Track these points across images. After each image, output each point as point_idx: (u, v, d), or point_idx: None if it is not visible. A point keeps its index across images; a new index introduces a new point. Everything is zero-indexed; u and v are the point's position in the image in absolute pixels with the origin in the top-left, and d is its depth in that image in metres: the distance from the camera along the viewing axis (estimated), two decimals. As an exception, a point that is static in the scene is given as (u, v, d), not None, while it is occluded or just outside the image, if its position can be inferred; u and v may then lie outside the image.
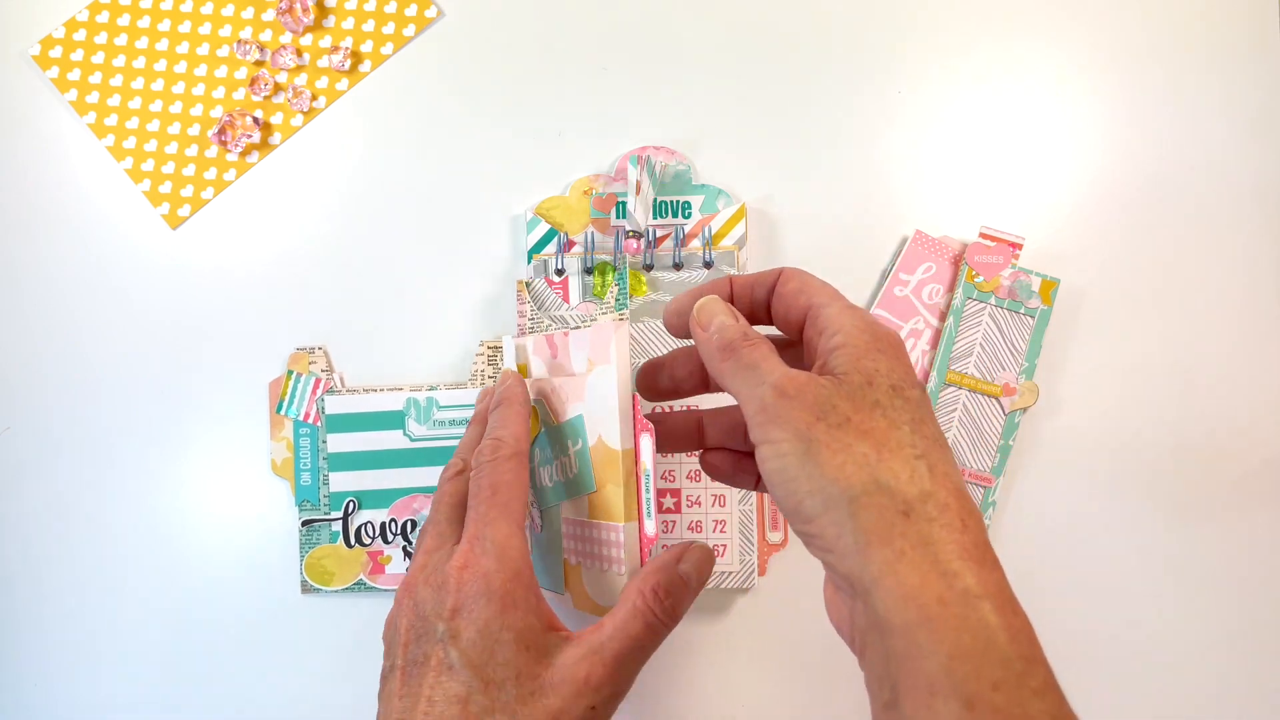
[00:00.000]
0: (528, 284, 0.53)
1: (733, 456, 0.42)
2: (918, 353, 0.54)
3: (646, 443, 0.41)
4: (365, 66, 0.56)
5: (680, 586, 0.39)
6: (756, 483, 0.41)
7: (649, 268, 0.53)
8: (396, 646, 0.38)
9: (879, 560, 0.30)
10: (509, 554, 0.38)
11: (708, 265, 0.53)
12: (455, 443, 0.53)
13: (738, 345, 0.36)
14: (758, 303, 0.39)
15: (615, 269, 0.53)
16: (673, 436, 0.43)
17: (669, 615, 0.39)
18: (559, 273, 0.53)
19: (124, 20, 0.56)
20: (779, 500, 0.34)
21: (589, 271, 0.53)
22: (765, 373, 0.34)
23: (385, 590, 0.53)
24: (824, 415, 0.33)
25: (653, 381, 0.42)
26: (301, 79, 0.56)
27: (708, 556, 0.41)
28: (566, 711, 0.36)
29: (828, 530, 0.32)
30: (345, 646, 0.53)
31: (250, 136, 0.55)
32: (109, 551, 0.54)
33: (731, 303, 0.39)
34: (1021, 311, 0.53)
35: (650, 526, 0.42)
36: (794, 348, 0.39)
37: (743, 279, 0.40)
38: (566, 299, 0.53)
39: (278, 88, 0.56)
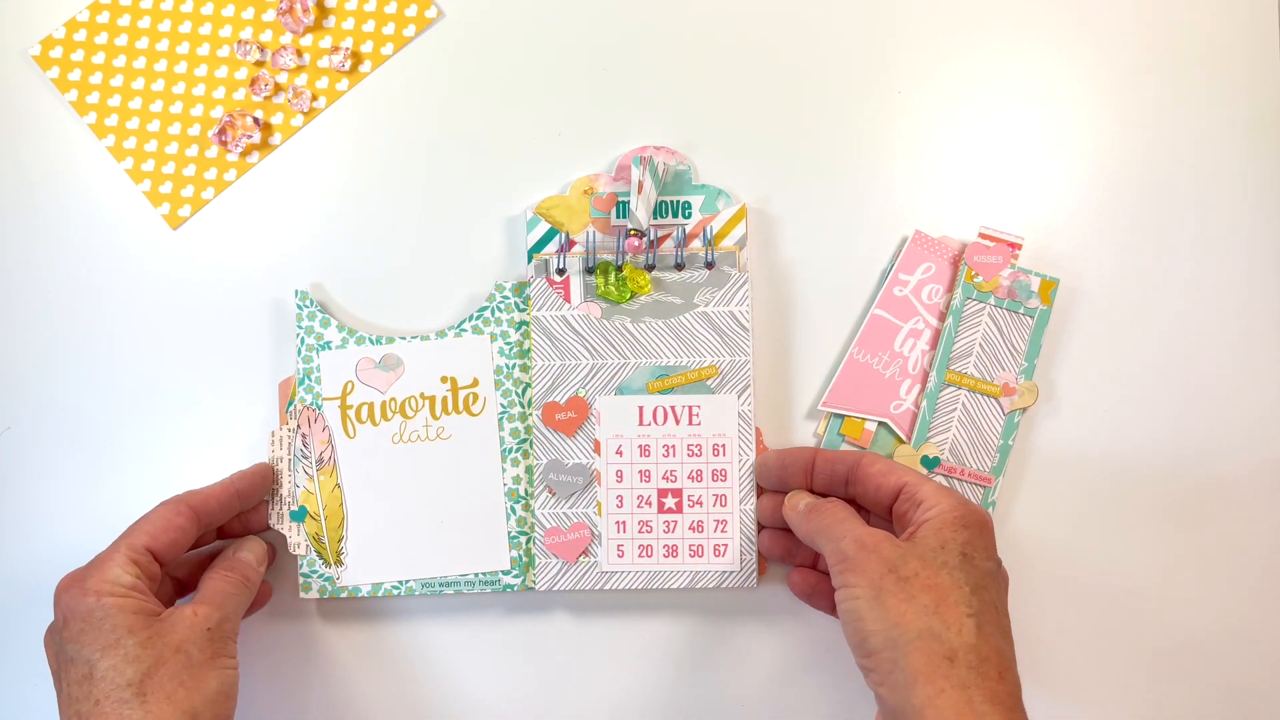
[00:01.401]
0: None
1: (814, 579, 0.50)
2: (917, 352, 0.54)
3: None
4: (365, 67, 0.56)
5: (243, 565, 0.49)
6: (831, 609, 0.47)
7: (650, 268, 0.53)
8: None
9: (922, 695, 0.37)
10: (105, 567, 0.44)
11: (709, 265, 0.53)
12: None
13: (822, 506, 0.46)
14: (836, 478, 0.48)
15: (617, 268, 0.53)
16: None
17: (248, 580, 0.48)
18: (560, 272, 0.53)
19: (124, 20, 0.56)
20: (848, 635, 0.41)
21: (590, 271, 0.53)
22: (848, 528, 0.43)
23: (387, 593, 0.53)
24: (895, 569, 0.40)
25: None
26: (302, 79, 0.56)
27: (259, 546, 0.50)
28: (189, 639, 0.42)
29: (883, 665, 0.39)
30: (345, 647, 0.53)
31: (250, 137, 0.55)
32: (110, 551, 0.54)
33: (812, 472, 0.48)
34: (1021, 311, 0.54)
35: None
36: (872, 518, 0.47)
37: (826, 457, 0.48)
38: (568, 299, 0.53)
39: (278, 88, 0.56)
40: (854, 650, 0.41)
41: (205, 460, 0.54)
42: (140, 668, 0.41)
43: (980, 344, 0.53)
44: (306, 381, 0.53)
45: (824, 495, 0.48)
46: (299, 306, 0.53)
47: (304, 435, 0.53)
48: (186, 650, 0.42)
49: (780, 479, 0.50)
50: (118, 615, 0.42)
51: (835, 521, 0.44)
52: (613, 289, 0.53)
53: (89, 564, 0.45)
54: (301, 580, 0.52)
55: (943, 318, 0.54)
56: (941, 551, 0.40)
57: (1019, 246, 0.54)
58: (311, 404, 0.53)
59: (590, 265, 0.53)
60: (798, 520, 0.47)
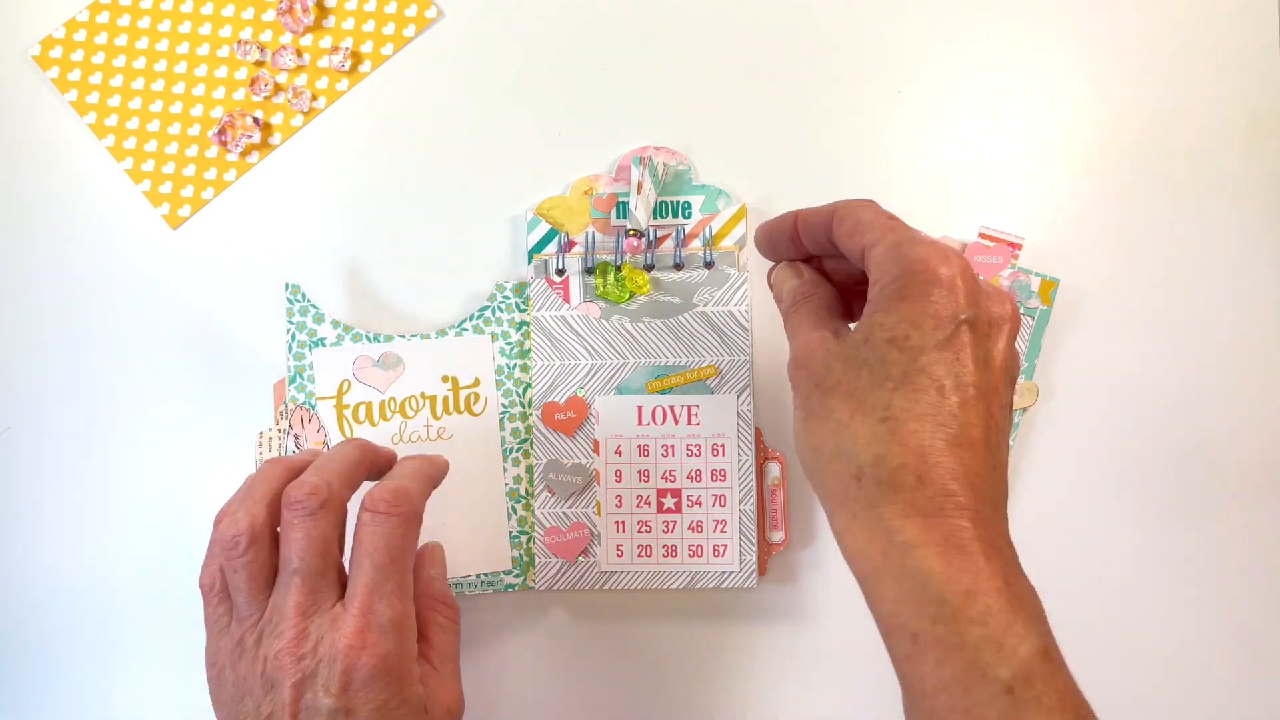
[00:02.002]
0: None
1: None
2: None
3: None
4: (365, 67, 0.56)
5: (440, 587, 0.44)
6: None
7: (649, 268, 0.53)
8: (279, 707, 0.37)
9: (840, 521, 0.34)
10: (405, 633, 0.39)
11: (708, 265, 0.53)
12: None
13: (787, 314, 0.40)
14: (820, 240, 0.39)
15: (615, 268, 0.53)
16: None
17: (455, 611, 0.44)
18: (559, 273, 0.53)
19: (124, 20, 0.56)
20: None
21: (589, 271, 0.53)
22: (791, 339, 0.38)
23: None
24: (821, 382, 0.35)
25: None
26: (302, 79, 0.56)
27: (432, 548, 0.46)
28: None
29: (819, 494, 0.36)
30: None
31: (250, 137, 0.55)
32: (110, 552, 0.54)
33: (798, 238, 0.40)
34: (1021, 312, 0.53)
35: None
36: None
37: (805, 220, 0.40)
38: (567, 299, 0.53)
39: (278, 88, 0.56)
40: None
41: (205, 460, 0.54)
42: None
43: (980, 344, 0.53)
44: (298, 380, 0.53)
45: (819, 256, 0.42)
46: (289, 300, 0.53)
47: (296, 436, 0.52)
48: None
49: (775, 252, 0.42)
50: None
51: (791, 332, 0.38)
52: (612, 289, 0.53)
53: (399, 635, 0.39)
54: None
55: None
56: (864, 347, 0.33)
57: (1019, 246, 0.54)
58: (304, 403, 0.53)
59: (589, 266, 0.53)
60: (779, 306, 0.41)
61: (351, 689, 0.36)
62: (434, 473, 0.44)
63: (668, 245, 0.53)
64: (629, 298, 0.53)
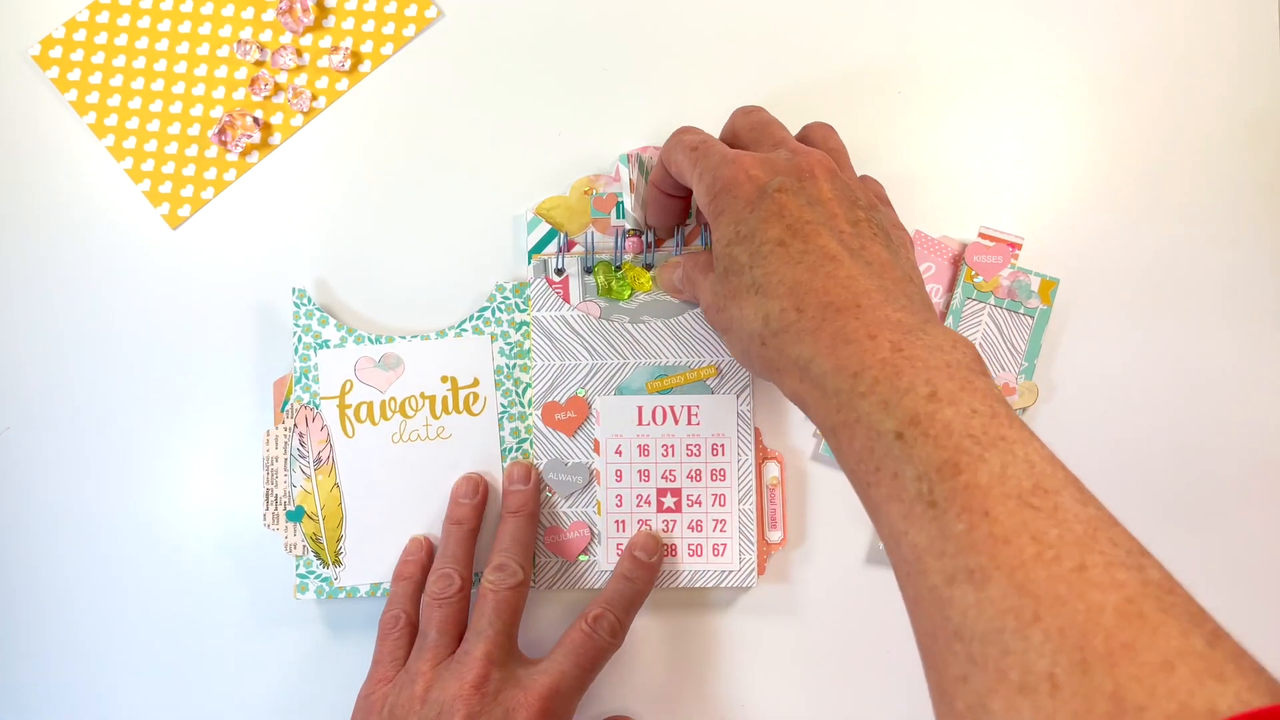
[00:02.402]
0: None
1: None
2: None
3: None
4: (365, 67, 0.56)
5: (620, 601, 0.49)
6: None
7: (649, 267, 0.53)
8: None
9: (775, 384, 0.40)
10: (571, 705, 0.47)
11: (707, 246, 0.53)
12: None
13: (688, 294, 0.50)
14: (671, 182, 0.48)
15: (616, 267, 0.53)
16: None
17: (612, 634, 0.48)
18: (559, 272, 0.53)
19: (124, 20, 0.56)
20: None
21: (589, 271, 0.53)
22: (698, 301, 0.47)
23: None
24: (718, 306, 0.42)
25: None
26: (301, 79, 0.56)
27: (644, 544, 0.51)
28: None
29: (764, 377, 0.41)
30: (343, 648, 0.53)
31: (250, 136, 0.55)
32: (110, 551, 0.54)
33: (670, 193, 0.49)
34: (1021, 311, 0.54)
35: None
36: None
37: (655, 180, 0.49)
38: (567, 299, 0.53)
39: (278, 88, 0.56)
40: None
41: (204, 460, 0.54)
42: None
43: (980, 344, 0.53)
44: (304, 380, 0.53)
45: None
46: (296, 305, 0.53)
47: (301, 434, 0.53)
48: None
49: (667, 215, 0.51)
50: None
51: (692, 294, 0.48)
52: (614, 287, 0.53)
53: (504, 669, 0.47)
54: (298, 581, 0.52)
55: (942, 317, 0.54)
56: (720, 261, 0.41)
57: (1019, 246, 0.54)
58: (309, 403, 0.53)
59: (589, 265, 0.53)
60: (681, 299, 0.52)
61: None
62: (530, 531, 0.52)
63: (668, 245, 0.53)
64: (630, 295, 0.53)
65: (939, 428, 0.32)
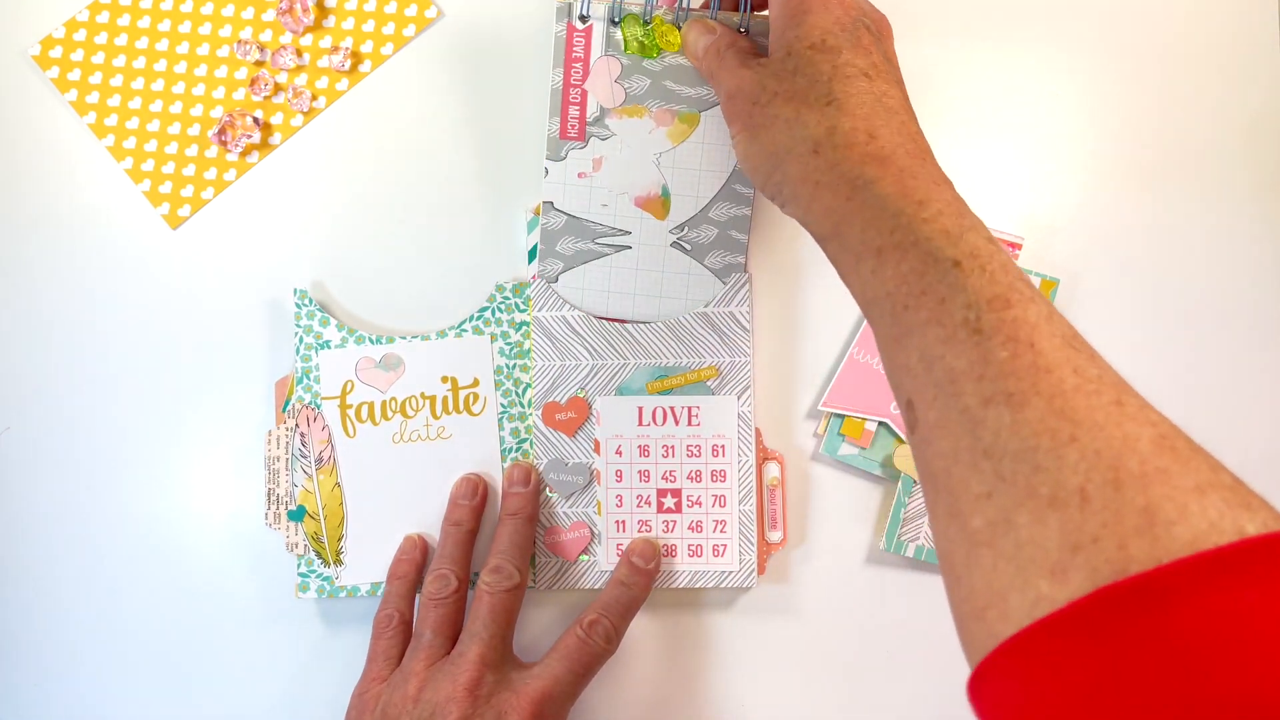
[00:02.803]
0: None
1: None
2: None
3: None
4: (365, 67, 0.56)
5: (617, 607, 0.49)
6: None
7: (679, 26, 0.50)
8: None
9: (804, 196, 0.38)
10: (530, 690, 0.46)
11: (744, 31, 0.48)
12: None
13: (710, 66, 0.45)
14: None
15: (645, 22, 0.49)
16: None
17: (606, 641, 0.48)
18: (583, 19, 0.50)
19: (124, 20, 0.56)
20: (750, 179, 0.42)
21: (615, 23, 0.50)
22: (724, 77, 0.42)
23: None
24: (758, 99, 0.40)
25: None
26: (301, 79, 0.56)
27: (642, 550, 0.51)
28: None
29: (774, 191, 0.40)
30: (344, 647, 0.53)
31: (250, 137, 0.55)
32: (109, 552, 0.54)
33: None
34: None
35: None
36: None
37: None
38: (588, 52, 0.50)
39: (278, 88, 0.56)
40: (760, 191, 0.43)
41: (205, 459, 0.54)
42: None
43: (980, 344, 0.53)
44: (305, 381, 0.53)
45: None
46: (298, 305, 0.53)
47: (302, 434, 0.53)
48: None
49: None
50: None
51: (714, 78, 0.44)
52: (642, 42, 0.49)
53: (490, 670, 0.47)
54: (299, 580, 0.52)
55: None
56: (789, 59, 0.39)
57: (1019, 246, 0.54)
58: (310, 403, 0.53)
59: (616, 16, 0.49)
60: (697, 64, 0.47)
61: None
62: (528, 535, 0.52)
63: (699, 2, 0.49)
64: (658, 54, 0.50)
65: (996, 265, 0.32)
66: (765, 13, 0.45)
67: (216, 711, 0.53)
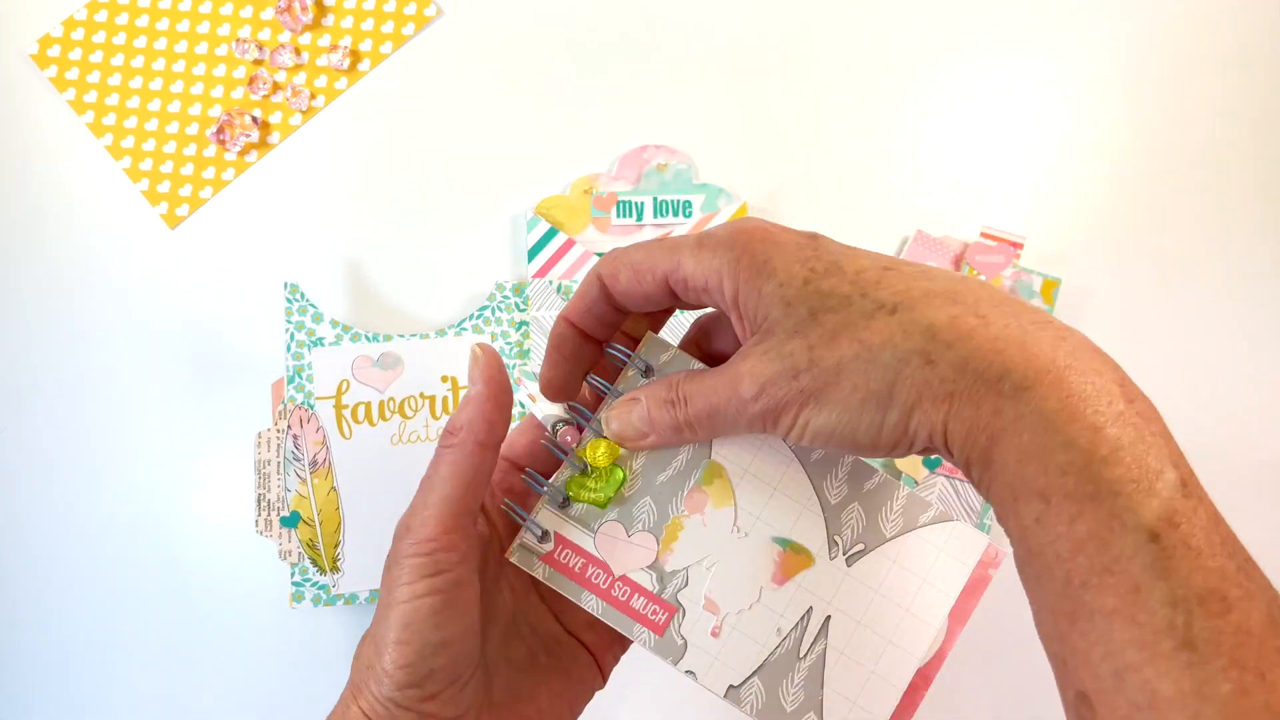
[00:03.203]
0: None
1: None
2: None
3: None
4: (364, 65, 0.56)
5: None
6: None
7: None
8: None
9: (940, 418, 0.29)
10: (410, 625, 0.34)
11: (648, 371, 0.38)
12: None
13: (683, 418, 0.34)
14: (604, 316, 0.35)
15: (581, 472, 0.36)
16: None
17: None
18: (544, 535, 0.37)
19: (122, 19, 0.56)
20: (846, 451, 0.33)
21: (567, 502, 0.37)
22: (726, 404, 0.32)
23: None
24: (796, 369, 0.31)
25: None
26: (300, 78, 0.56)
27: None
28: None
29: (898, 435, 0.30)
30: (343, 652, 0.53)
31: (249, 136, 0.55)
32: (107, 551, 0.53)
33: (583, 337, 0.35)
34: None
35: None
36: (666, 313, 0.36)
37: (573, 310, 0.35)
38: (585, 554, 0.37)
39: (276, 87, 0.56)
40: (867, 456, 0.32)
41: (203, 459, 0.54)
42: None
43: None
44: (297, 380, 0.52)
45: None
46: (288, 300, 0.53)
47: (295, 436, 0.52)
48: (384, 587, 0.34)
49: (573, 362, 0.36)
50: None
51: (709, 408, 0.33)
52: (594, 491, 0.37)
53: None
54: (293, 590, 0.51)
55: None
56: (793, 308, 0.31)
57: (1021, 246, 0.54)
58: (303, 403, 0.52)
59: (561, 497, 0.37)
60: (653, 439, 0.35)
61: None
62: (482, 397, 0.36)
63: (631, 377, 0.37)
64: (619, 482, 0.37)
65: (1201, 534, 0.25)
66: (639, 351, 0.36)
67: (217, 711, 0.53)
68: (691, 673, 0.36)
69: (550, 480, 0.36)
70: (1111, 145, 0.56)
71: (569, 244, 0.53)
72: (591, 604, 0.36)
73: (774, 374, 0.31)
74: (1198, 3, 0.56)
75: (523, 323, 0.53)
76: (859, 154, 0.56)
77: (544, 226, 0.54)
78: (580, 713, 0.38)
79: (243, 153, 0.55)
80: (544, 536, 0.36)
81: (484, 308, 0.53)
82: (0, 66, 0.56)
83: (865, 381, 0.29)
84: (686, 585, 0.36)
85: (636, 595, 0.36)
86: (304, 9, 0.55)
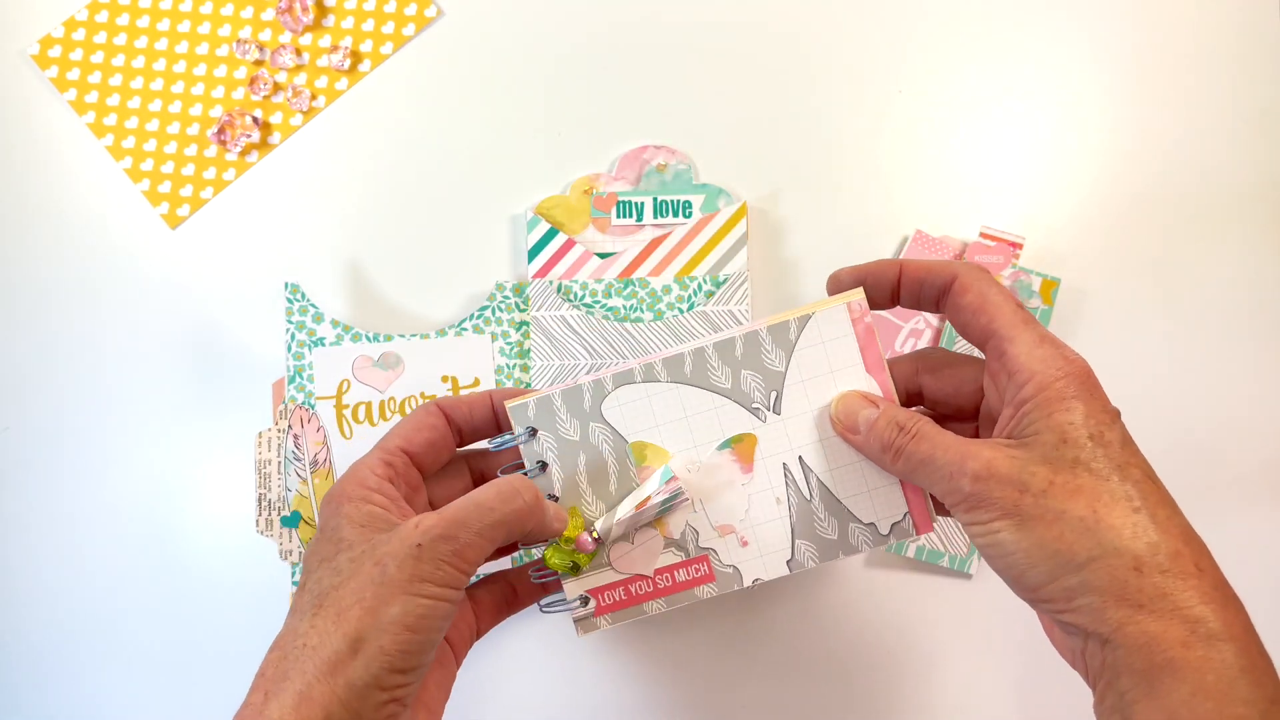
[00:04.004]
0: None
1: None
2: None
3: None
4: (365, 66, 0.56)
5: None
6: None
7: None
8: None
9: (1117, 616, 0.32)
10: (356, 468, 0.38)
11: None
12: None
13: (900, 445, 0.37)
14: (926, 299, 0.38)
15: (554, 543, 0.40)
16: None
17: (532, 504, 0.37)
18: (547, 609, 0.42)
19: (123, 19, 0.56)
20: (997, 571, 0.35)
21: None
22: (945, 464, 0.35)
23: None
24: (1026, 487, 0.33)
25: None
26: (301, 78, 0.56)
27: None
28: (393, 554, 0.34)
29: (1057, 595, 0.33)
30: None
31: (249, 136, 0.55)
32: (108, 551, 0.53)
33: (897, 292, 0.39)
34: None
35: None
36: (961, 367, 0.39)
37: (914, 269, 0.38)
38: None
39: (277, 87, 0.56)
40: (1010, 585, 0.35)
41: (204, 460, 0.54)
42: (335, 580, 0.35)
43: (981, 344, 0.53)
44: (297, 380, 0.53)
45: (907, 308, 0.40)
46: (289, 300, 0.53)
47: (295, 436, 0.52)
48: (384, 565, 0.34)
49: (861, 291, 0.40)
50: (346, 528, 0.36)
51: (927, 458, 0.36)
52: (572, 560, 0.41)
53: (347, 470, 0.39)
54: (293, 590, 0.52)
55: (944, 318, 0.54)
56: (1065, 447, 0.33)
57: (1020, 246, 0.54)
58: (303, 403, 0.52)
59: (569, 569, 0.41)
60: (872, 454, 0.38)
61: (321, 512, 0.38)
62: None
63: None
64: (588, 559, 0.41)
65: None
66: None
67: (216, 712, 0.53)
68: (758, 579, 0.40)
69: (542, 564, 0.41)
70: (1111, 145, 0.56)
71: (569, 244, 0.53)
72: (655, 608, 0.41)
73: (1005, 475, 0.33)
74: (1198, 3, 0.56)
75: (523, 323, 0.53)
76: (859, 154, 0.56)
77: (544, 226, 0.54)
78: (448, 697, 0.40)
79: (243, 153, 0.55)
80: (585, 601, 0.41)
81: (484, 308, 0.53)
82: (0, 67, 0.56)
83: (1073, 541, 0.32)
84: (697, 534, 0.41)
85: (676, 571, 0.41)
86: (304, 10, 0.55)
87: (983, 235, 0.54)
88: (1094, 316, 0.55)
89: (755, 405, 0.40)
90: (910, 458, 0.36)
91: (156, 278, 0.55)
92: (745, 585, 0.40)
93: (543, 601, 0.42)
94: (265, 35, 0.56)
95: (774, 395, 0.40)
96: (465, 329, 0.53)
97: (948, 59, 0.56)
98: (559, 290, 0.53)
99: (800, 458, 0.40)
